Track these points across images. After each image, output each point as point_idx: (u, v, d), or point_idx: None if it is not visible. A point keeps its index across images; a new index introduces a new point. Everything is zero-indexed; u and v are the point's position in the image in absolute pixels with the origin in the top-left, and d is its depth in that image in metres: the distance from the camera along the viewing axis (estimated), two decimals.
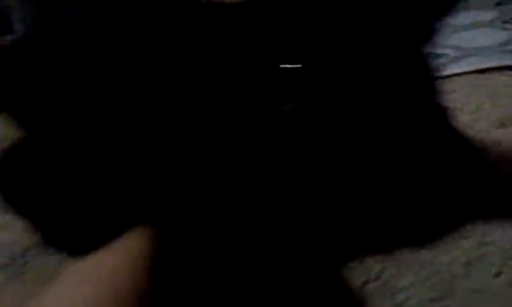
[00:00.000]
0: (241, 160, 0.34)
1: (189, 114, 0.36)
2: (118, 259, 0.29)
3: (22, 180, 0.41)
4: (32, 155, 0.42)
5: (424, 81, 0.40)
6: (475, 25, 0.86)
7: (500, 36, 0.81)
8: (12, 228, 0.44)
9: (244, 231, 0.35)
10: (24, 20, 1.15)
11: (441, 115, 0.41)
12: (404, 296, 0.36)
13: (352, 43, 0.35)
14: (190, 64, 0.36)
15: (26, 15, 1.15)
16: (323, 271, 0.37)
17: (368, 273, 0.38)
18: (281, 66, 0.34)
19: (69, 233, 0.38)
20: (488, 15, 0.90)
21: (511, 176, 0.45)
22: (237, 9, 0.36)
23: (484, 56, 0.73)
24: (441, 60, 0.72)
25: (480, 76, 0.69)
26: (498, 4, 0.92)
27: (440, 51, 0.74)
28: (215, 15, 0.37)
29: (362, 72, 0.35)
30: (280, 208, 0.35)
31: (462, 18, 0.89)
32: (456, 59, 0.74)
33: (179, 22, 0.41)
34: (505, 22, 0.86)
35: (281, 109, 0.34)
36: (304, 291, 0.35)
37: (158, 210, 0.34)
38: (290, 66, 0.34)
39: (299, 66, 0.34)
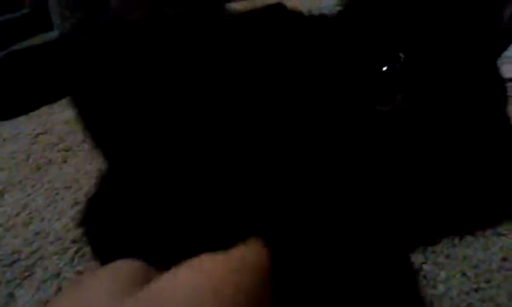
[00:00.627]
0: (339, 158, 0.35)
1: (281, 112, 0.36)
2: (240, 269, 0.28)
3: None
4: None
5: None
6: None
7: None
8: None
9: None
10: (63, 19, 1.19)
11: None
12: (444, 287, 0.40)
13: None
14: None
15: (66, 15, 1.18)
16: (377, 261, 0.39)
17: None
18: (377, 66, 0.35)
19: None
20: None
21: None
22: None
23: None
24: None
25: None
26: None
27: None
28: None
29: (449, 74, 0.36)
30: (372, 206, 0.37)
31: None
32: None
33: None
34: None
35: (378, 108, 0.35)
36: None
37: (261, 221, 0.33)
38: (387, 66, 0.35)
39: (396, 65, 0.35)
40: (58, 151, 0.69)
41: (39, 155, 0.69)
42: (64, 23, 1.21)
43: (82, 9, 1.19)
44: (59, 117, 0.82)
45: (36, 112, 0.85)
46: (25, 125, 0.82)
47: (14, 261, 0.45)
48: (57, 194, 0.56)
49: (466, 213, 0.44)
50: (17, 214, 0.54)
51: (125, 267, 0.28)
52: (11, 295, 0.41)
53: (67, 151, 0.68)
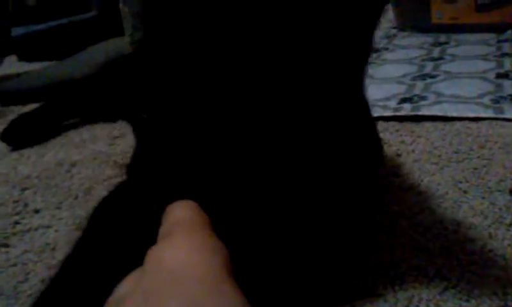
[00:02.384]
0: None
1: None
2: None
3: None
4: None
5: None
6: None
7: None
8: None
9: None
10: (134, 28, 1.28)
11: None
12: None
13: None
14: None
15: (137, 25, 1.28)
16: None
17: None
18: None
19: None
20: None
21: None
22: None
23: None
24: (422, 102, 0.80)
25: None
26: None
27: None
28: None
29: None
30: None
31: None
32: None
33: None
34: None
35: None
36: None
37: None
38: None
39: None
40: None
41: (118, 157, 0.77)
42: (135, 33, 1.30)
43: None
44: None
45: None
46: (102, 129, 0.91)
47: None
48: None
49: None
50: None
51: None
52: None
53: None
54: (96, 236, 0.42)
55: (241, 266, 0.28)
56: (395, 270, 0.44)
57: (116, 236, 0.40)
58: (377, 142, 0.53)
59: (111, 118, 0.94)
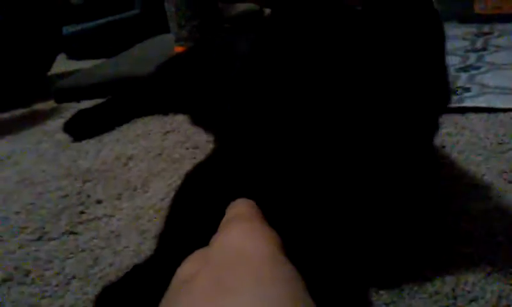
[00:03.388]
0: None
1: None
2: None
3: None
4: None
5: None
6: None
7: None
8: None
9: None
10: (180, 26, 1.33)
11: None
12: None
13: None
14: None
15: (182, 23, 1.32)
16: None
17: None
18: None
19: None
20: None
21: None
22: None
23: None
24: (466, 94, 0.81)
25: None
26: None
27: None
28: None
29: None
30: None
31: None
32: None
33: None
34: None
35: None
36: None
37: None
38: None
39: None
40: (187, 148, 0.81)
41: (171, 151, 0.81)
42: (180, 30, 1.35)
43: (196, 19, 1.32)
44: (184, 118, 0.94)
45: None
46: (154, 124, 0.95)
47: None
48: None
49: None
50: (162, 199, 0.66)
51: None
52: None
53: (195, 148, 0.80)
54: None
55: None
56: (441, 256, 0.46)
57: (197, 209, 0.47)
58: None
59: (165, 112, 0.99)
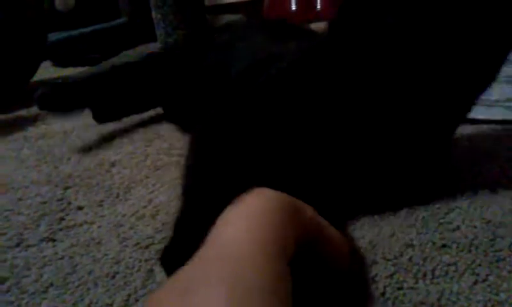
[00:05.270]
0: None
1: None
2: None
3: None
4: None
5: None
6: None
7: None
8: None
9: None
10: (167, 34, 1.32)
11: None
12: None
13: None
14: None
15: (169, 31, 1.32)
16: None
17: None
18: None
19: None
20: None
21: None
22: None
23: None
24: None
25: None
26: None
27: None
28: None
29: None
30: None
31: None
32: None
33: None
34: None
35: None
36: None
37: None
38: None
39: None
40: (171, 155, 0.81)
41: (155, 157, 0.80)
42: (167, 38, 1.34)
43: (183, 28, 1.32)
44: (168, 126, 0.94)
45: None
46: (138, 130, 0.94)
47: (149, 245, 0.56)
48: (176, 193, 0.67)
49: None
50: (144, 207, 0.65)
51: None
52: (151, 270, 0.51)
53: (180, 156, 0.79)
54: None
55: None
56: (425, 266, 0.45)
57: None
58: None
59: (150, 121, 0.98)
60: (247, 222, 0.30)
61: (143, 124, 1.00)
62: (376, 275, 0.45)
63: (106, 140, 0.93)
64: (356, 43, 0.47)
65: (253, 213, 0.31)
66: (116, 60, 1.43)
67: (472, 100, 0.51)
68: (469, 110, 0.53)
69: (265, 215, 0.31)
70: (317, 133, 0.51)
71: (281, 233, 0.30)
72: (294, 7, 2.02)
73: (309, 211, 0.37)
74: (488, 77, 0.49)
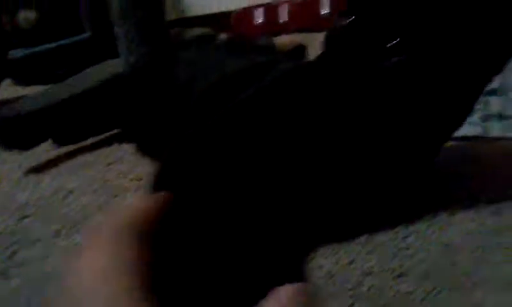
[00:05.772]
0: None
1: None
2: None
3: None
4: None
5: None
6: None
7: None
8: None
9: None
10: (129, 52, 1.30)
11: None
12: None
13: None
14: None
15: (132, 48, 1.29)
16: None
17: None
18: None
19: None
20: None
21: None
22: None
23: None
24: (507, 122, 0.79)
25: None
26: None
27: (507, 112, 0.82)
28: None
29: None
30: None
31: None
32: None
33: None
34: None
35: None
36: None
37: None
38: None
39: None
40: (131, 179, 0.79)
41: (114, 182, 0.79)
42: (129, 56, 1.32)
43: (146, 45, 1.29)
44: (128, 148, 0.92)
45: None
46: (97, 154, 0.92)
47: None
48: None
49: None
50: None
51: None
52: None
53: (139, 180, 0.77)
54: None
55: None
56: (384, 296, 0.45)
57: None
58: None
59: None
60: (98, 260, 0.25)
61: (104, 145, 0.97)
62: None
63: (65, 164, 0.90)
64: (341, 78, 0.47)
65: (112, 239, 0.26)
66: (75, 83, 1.40)
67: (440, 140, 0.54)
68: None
69: (128, 236, 0.24)
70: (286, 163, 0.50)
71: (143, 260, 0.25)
72: (259, 20, 2.02)
73: None
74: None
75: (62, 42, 1.97)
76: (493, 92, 0.89)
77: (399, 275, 0.47)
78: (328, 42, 0.50)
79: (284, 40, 1.63)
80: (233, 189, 0.48)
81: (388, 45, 0.44)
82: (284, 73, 0.55)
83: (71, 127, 0.98)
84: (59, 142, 0.96)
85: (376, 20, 0.46)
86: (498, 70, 0.50)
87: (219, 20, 2.23)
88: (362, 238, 0.53)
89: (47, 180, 0.84)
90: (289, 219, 0.51)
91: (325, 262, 0.51)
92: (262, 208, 0.49)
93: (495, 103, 0.86)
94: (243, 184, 0.49)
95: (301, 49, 1.46)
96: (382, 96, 0.45)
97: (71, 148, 0.97)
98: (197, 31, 2.18)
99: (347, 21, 0.48)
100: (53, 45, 1.96)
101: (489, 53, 0.47)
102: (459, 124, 0.52)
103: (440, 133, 0.52)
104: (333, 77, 0.46)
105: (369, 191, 0.52)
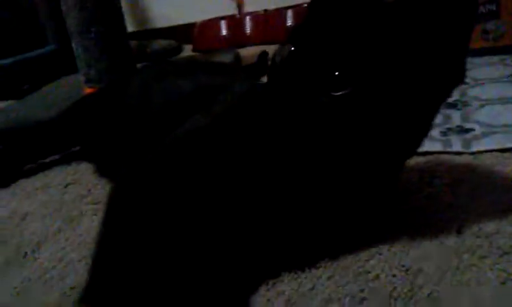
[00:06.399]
0: None
1: None
2: None
3: None
4: None
5: None
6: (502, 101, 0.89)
7: None
8: None
9: None
10: (88, 66, 1.27)
11: None
12: None
13: None
14: None
15: (91, 62, 1.27)
16: None
17: None
18: None
19: None
20: None
21: None
22: None
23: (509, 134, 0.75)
24: (467, 135, 0.78)
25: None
26: None
27: (467, 126, 0.82)
28: None
29: None
30: None
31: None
32: (483, 136, 0.77)
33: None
34: None
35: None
36: None
37: None
38: None
39: None
40: (87, 203, 0.76)
41: (70, 207, 0.76)
42: (89, 70, 1.29)
43: (105, 60, 1.27)
44: (87, 167, 0.89)
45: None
46: (55, 175, 0.89)
47: None
48: (89, 248, 0.62)
49: None
50: (54, 267, 0.60)
51: None
52: None
53: (96, 204, 0.75)
54: None
55: None
56: None
57: None
58: None
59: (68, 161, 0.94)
60: None
61: (61, 163, 0.94)
62: None
63: (20, 187, 0.87)
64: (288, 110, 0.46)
65: None
66: (36, 104, 1.36)
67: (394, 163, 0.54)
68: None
69: None
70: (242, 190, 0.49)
71: None
72: (224, 32, 2.01)
73: None
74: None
75: (25, 55, 1.92)
76: (453, 105, 0.90)
77: (360, 300, 0.46)
78: (272, 72, 0.49)
79: (249, 51, 1.62)
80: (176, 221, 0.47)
81: (331, 78, 0.44)
82: (230, 108, 0.55)
83: (31, 147, 0.95)
84: (19, 162, 0.93)
85: (316, 52, 0.45)
86: (447, 94, 0.49)
87: (182, 31, 2.21)
88: (323, 262, 0.52)
89: (1, 203, 0.81)
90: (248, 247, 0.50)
91: (286, 288, 0.49)
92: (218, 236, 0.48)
93: (455, 117, 0.86)
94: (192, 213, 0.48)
95: (264, 56, 1.46)
96: (331, 126, 0.45)
97: (29, 167, 0.94)
98: (161, 43, 2.15)
99: (289, 51, 0.47)
100: (14, 59, 1.90)
101: (436, 77, 0.46)
102: (417, 144, 0.51)
103: (396, 154, 0.51)
104: (278, 111, 0.46)
105: (330, 214, 0.51)
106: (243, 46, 1.81)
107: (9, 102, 1.53)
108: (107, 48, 1.25)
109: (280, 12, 1.90)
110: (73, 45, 1.27)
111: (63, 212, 0.75)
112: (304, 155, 0.47)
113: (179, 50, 2.17)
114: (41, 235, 0.69)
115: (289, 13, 1.87)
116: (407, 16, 0.45)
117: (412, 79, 0.45)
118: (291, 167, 0.48)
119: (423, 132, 0.51)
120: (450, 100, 0.88)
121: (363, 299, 0.47)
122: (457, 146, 0.75)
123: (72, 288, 0.55)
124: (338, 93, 0.43)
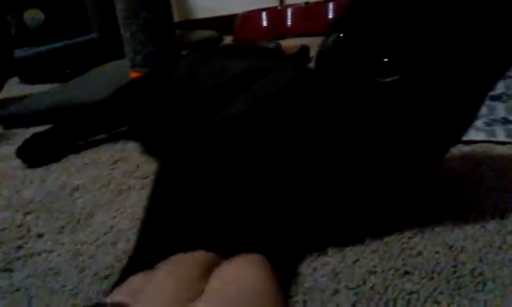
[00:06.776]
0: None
1: None
2: None
3: None
4: None
5: None
6: None
7: None
8: None
9: None
10: (135, 52, 1.31)
11: None
12: None
13: None
14: None
15: (138, 48, 1.30)
16: None
17: None
18: None
19: None
20: None
21: None
22: None
23: None
24: None
25: None
26: None
27: None
28: None
29: None
30: None
31: None
32: None
33: None
34: None
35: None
36: None
37: None
38: None
39: None
40: (136, 178, 0.79)
41: (119, 181, 0.79)
42: (135, 56, 1.33)
43: (152, 45, 1.30)
44: (134, 146, 0.92)
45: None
46: (103, 152, 0.93)
47: (108, 275, 0.54)
48: (138, 218, 0.65)
49: None
50: (106, 234, 0.63)
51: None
52: None
53: (144, 178, 0.78)
54: None
55: None
56: (387, 294, 0.45)
57: None
58: None
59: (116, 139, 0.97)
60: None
61: (109, 142, 0.98)
62: (338, 306, 0.44)
63: (70, 162, 0.91)
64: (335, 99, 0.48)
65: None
66: (82, 85, 1.40)
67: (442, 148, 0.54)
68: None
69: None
70: (290, 167, 0.51)
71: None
72: (265, 23, 2.03)
73: None
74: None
75: (69, 42, 1.98)
76: (498, 98, 0.90)
77: (404, 274, 0.47)
78: (319, 60, 0.50)
79: (290, 43, 1.63)
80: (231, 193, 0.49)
81: (379, 64, 0.44)
82: (279, 91, 0.56)
83: (79, 126, 0.98)
84: (67, 140, 0.97)
85: (364, 38, 0.46)
86: (497, 78, 0.49)
87: (224, 22, 2.24)
88: (367, 237, 0.53)
89: (52, 177, 0.84)
90: (297, 221, 0.51)
91: (331, 260, 0.51)
92: (267, 209, 0.50)
93: (499, 109, 0.86)
94: (242, 187, 0.49)
95: (305, 50, 1.47)
96: (378, 114, 0.46)
97: (77, 145, 0.97)
98: (202, 33, 2.19)
99: (336, 38, 0.48)
100: (59, 44, 1.96)
101: (486, 63, 0.46)
102: (461, 133, 0.51)
103: (441, 142, 0.51)
104: (327, 98, 0.47)
105: (375, 195, 0.53)
106: (283, 38, 1.83)
107: (54, 85, 1.58)
108: (154, 34, 1.28)
109: (322, 5, 1.90)
110: (121, 30, 1.30)
111: (111, 186, 0.77)
112: (351, 139, 0.48)
113: (220, 40, 2.20)
114: (92, 205, 0.71)
115: (330, 6, 1.88)
116: None
117: (462, 64, 0.45)
118: (338, 150, 0.50)
119: (469, 119, 0.51)
120: (495, 92, 0.90)
121: (406, 272, 0.48)
122: (501, 136, 0.75)
123: (123, 253, 0.57)
124: (387, 80, 0.44)
